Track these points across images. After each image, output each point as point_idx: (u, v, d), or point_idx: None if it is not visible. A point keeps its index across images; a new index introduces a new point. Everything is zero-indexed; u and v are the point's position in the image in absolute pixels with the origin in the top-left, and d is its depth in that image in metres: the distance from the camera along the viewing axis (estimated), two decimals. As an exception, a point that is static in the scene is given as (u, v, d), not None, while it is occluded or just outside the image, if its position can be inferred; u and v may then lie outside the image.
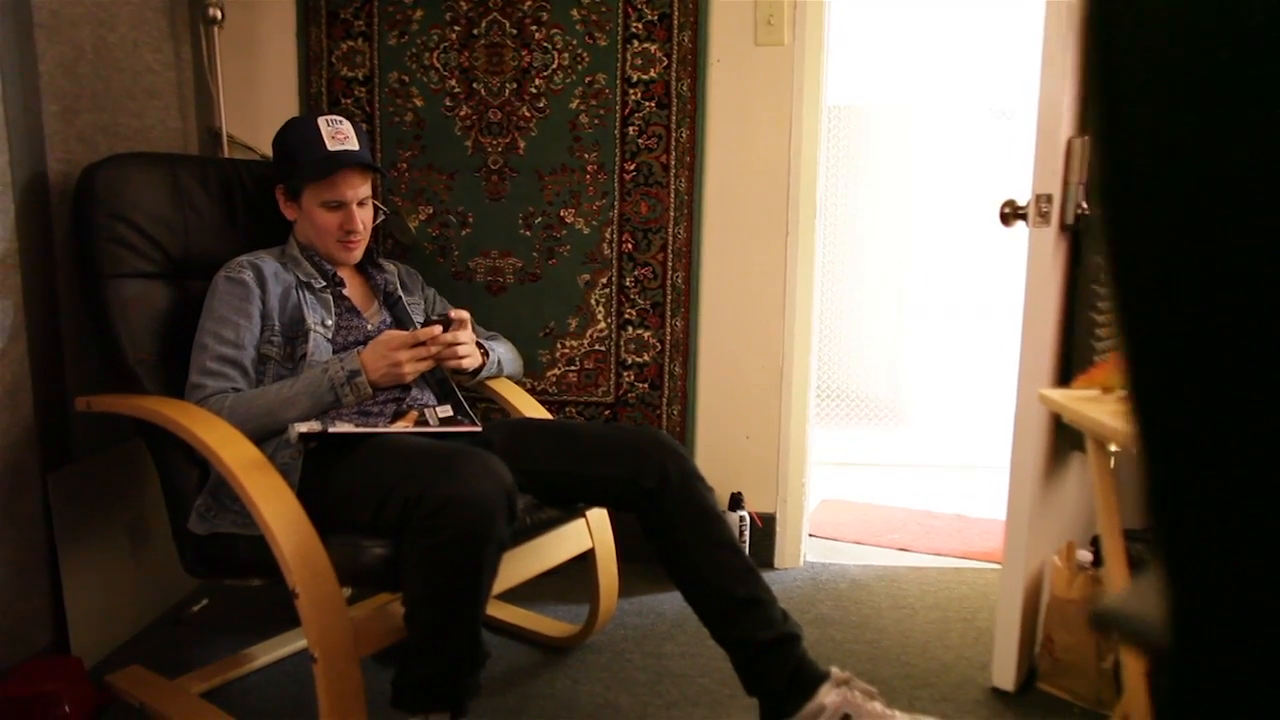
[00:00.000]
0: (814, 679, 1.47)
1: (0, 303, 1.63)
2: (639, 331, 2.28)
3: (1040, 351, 1.64)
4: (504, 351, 1.94)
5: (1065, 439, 1.75)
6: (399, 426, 1.64)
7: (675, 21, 2.18)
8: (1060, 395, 1.59)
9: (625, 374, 2.30)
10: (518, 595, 1.88)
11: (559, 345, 2.30)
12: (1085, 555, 1.73)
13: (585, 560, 1.82)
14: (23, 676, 1.56)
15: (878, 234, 3.34)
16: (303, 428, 1.50)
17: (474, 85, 2.25)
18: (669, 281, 2.26)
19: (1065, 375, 1.70)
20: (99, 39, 1.88)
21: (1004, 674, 1.72)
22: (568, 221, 2.26)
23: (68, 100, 1.79)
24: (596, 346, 2.30)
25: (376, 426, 1.62)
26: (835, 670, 1.48)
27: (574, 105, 2.23)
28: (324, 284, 1.73)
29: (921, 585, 2.24)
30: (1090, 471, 1.45)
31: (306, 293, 1.70)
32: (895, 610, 2.10)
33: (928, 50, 3.23)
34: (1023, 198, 1.70)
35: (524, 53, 2.23)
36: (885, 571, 2.32)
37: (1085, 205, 1.64)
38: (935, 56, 3.23)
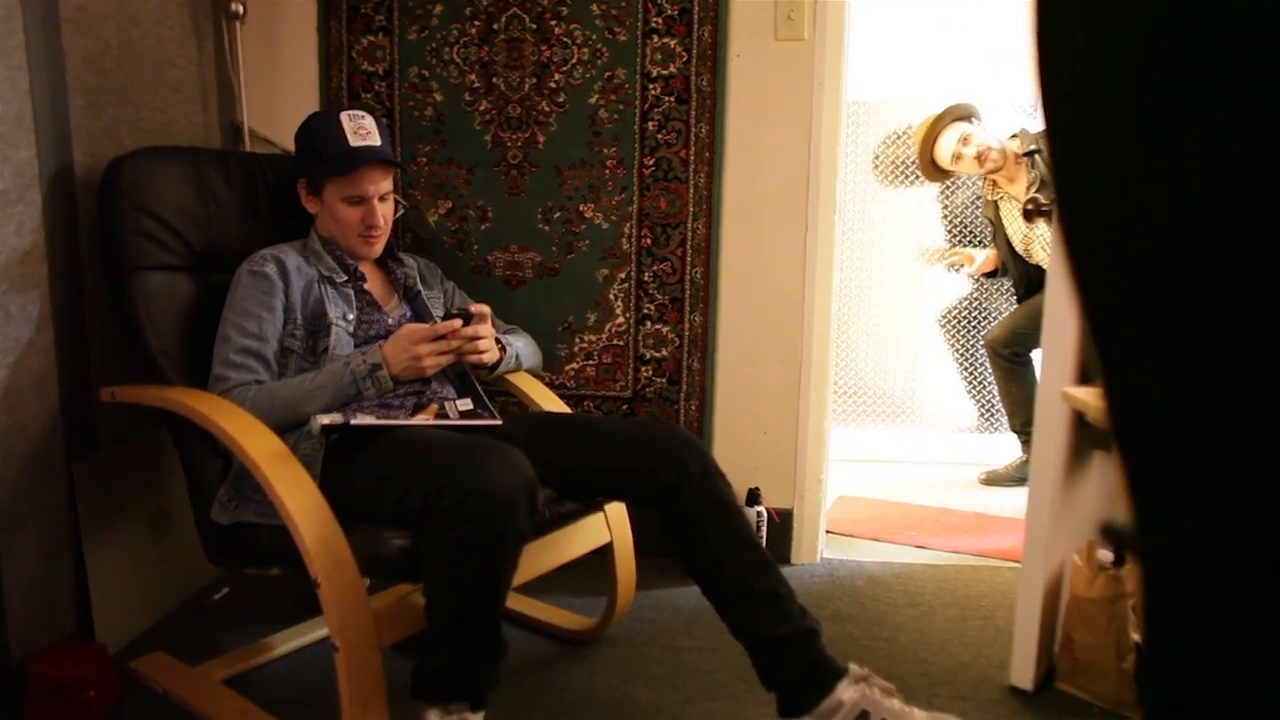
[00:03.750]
0: (832, 675, 1.46)
1: (27, 294, 1.65)
2: (657, 326, 2.28)
3: (1063, 349, 1.63)
4: (523, 345, 1.95)
5: (1087, 437, 1.74)
6: (420, 419, 1.65)
7: (695, 16, 2.17)
8: (1084, 393, 1.58)
9: (643, 369, 2.30)
10: (535, 588, 1.89)
11: (577, 339, 2.31)
12: (1106, 554, 1.72)
13: (603, 554, 1.83)
14: (49, 662, 1.58)
15: (897, 230, 3.32)
16: (325, 419, 1.51)
17: (494, 80, 2.25)
18: (687, 276, 2.26)
19: (1088, 373, 1.69)
20: (124, 34, 1.90)
21: (1023, 673, 1.72)
22: (586, 216, 2.27)
23: (93, 94, 1.81)
24: (615, 341, 2.30)
25: (397, 419, 1.63)
26: (854, 666, 1.48)
27: (593, 100, 2.23)
28: (345, 278, 1.74)
29: (939, 583, 2.23)
30: (1115, 469, 1.44)
31: (328, 287, 1.71)
32: (913, 608, 2.09)
33: (948, 45, 3.21)
34: (1046, 194, 1.69)
35: (544, 47, 2.23)
36: (902, 569, 2.32)
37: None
38: (956, 51, 3.21)
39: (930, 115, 2.96)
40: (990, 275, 3.15)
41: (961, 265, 3.14)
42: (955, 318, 3.31)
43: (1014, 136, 2.90)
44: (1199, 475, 0.36)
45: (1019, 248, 2.94)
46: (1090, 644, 1.67)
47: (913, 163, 3.18)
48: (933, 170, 3.01)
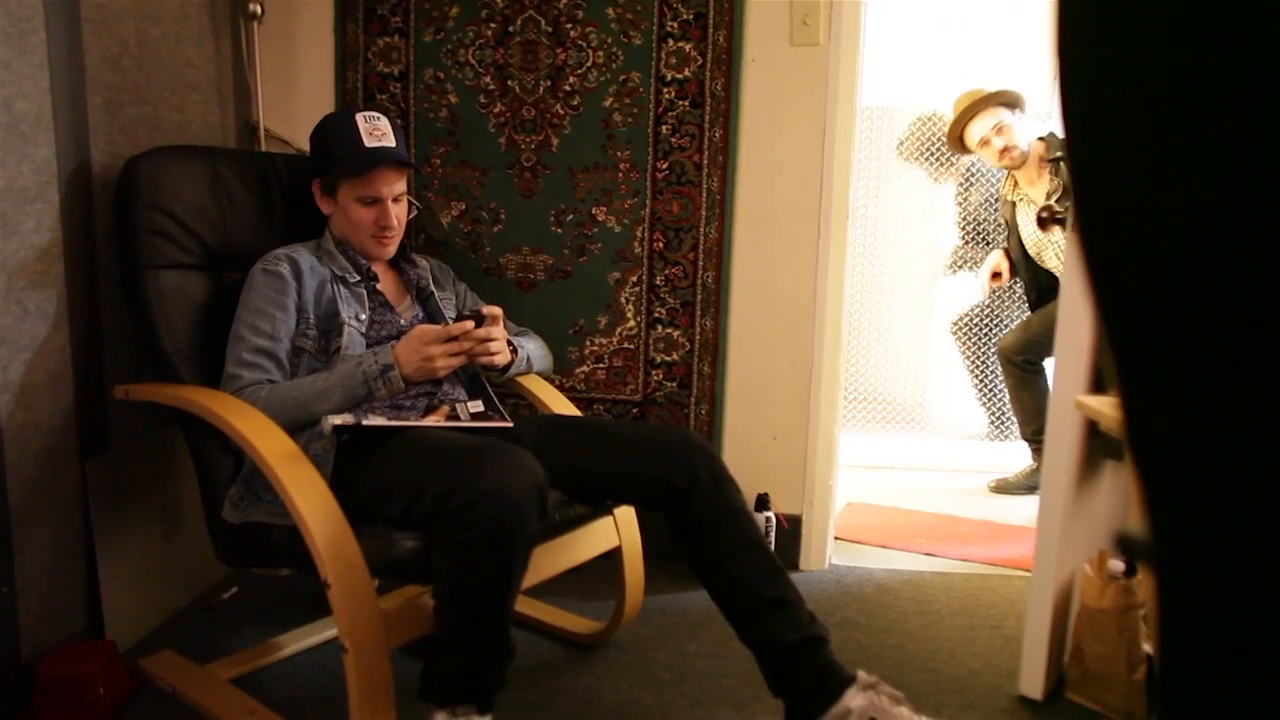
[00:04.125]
0: (840, 681, 1.46)
1: (44, 291, 1.66)
2: (668, 330, 2.28)
3: (1076, 357, 1.63)
4: (534, 348, 1.95)
5: (1099, 446, 1.73)
6: (431, 421, 1.65)
7: (710, 21, 2.17)
8: (1097, 402, 1.57)
9: (654, 372, 2.30)
10: (543, 591, 1.89)
11: (588, 343, 2.31)
12: (1117, 564, 1.71)
13: (611, 557, 1.83)
14: (59, 658, 1.59)
15: (909, 237, 3.31)
16: (336, 420, 1.52)
17: (508, 82, 2.26)
18: (699, 281, 2.26)
19: (1100, 382, 1.68)
20: (142, 34, 1.91)
21: (1032, 683, 1.71)
22: (599, 219, 2.27)
23: (112, 93, 1.82)
24: (625, 344, 2.30)
25: (409, 420, 1.64)
26: (862, 674, 1.48)
27: (608, 103, 2.23)
28: (358, 278, 1.75)
29: (948, 591, 2.22)
30: (1128, 479, 1.44)
31: (341, 287, 1.72)
32: (921, 615, 2.08)
33: (963, 53, 3.21)
34: (1062, 202, 1.68)
35: (559, 50, 2.23)
36: (911, 576, 2.31)
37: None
38: (971, 59, 3.20)
39: (977, 90, 2.87)
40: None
41: (998, 274, 3.07)
42: (967, 325, 3.30)
43: (1042, 139, 2.86)
44: (1216, 486, 0.36)
45: (1031, 251, 2.91)
46: (1101, 654, 1.66)
47: (934, 150, 3.17)
48: (959, 145, 2.95)
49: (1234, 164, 0.32)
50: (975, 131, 2.86)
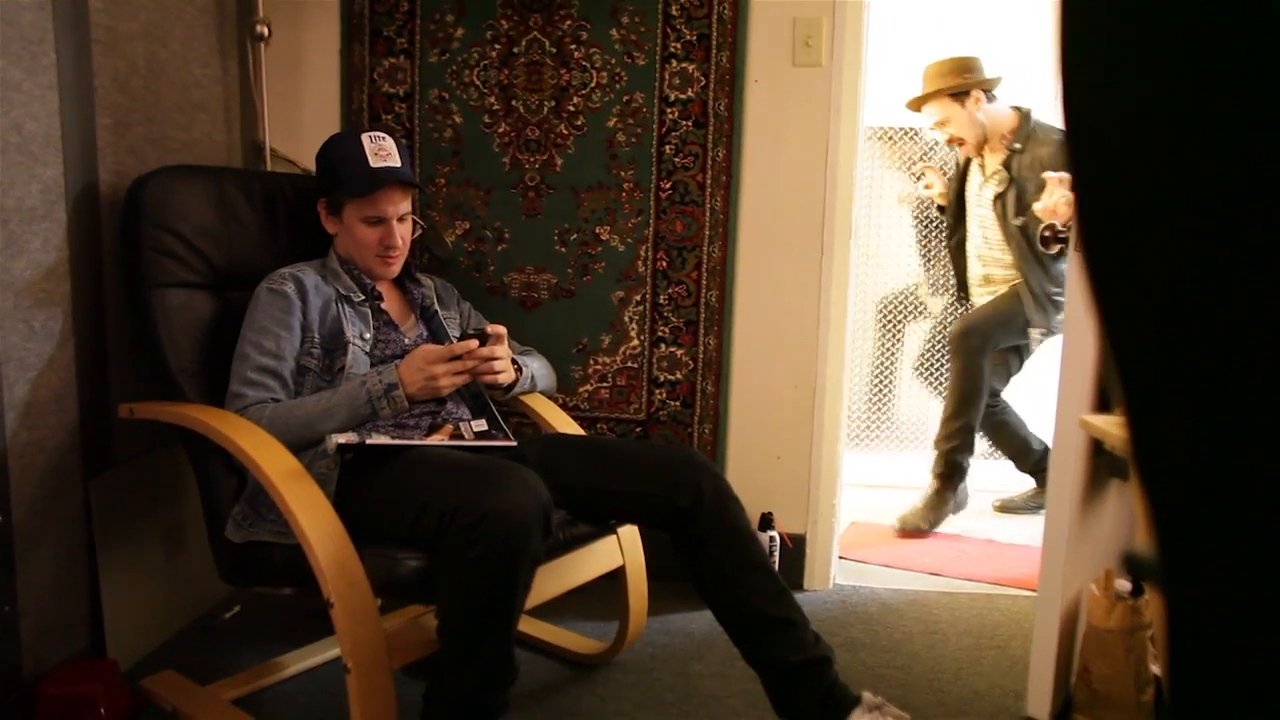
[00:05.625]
0: (845, 703, 1.45)
1: (50, 310, 1.67)
2: (672, 349, 2.28)
3: (1080, 376, 1.62)
4: (538, 367, 1.95)
5: (1104, 465, 1.72)
6: (435, 440, 1.65)
7: (714, 42, 2.19)
8: (1103, 421, 1.57)
9: (657, 391, 2.30)
10: (547, 611, 1.88)
11: (592, 362, 2.31)
12: (1124, 584, 1.70)
13: (615, 577, 1.82)
14: (61, 677, 1.58)
15: (911, 254, 3.32)
16: (340, 439, 1.52)
17: (513, 103, 2.27)
18: (703, 300, 2.26)
19: (1105, 401, 1.68)
20: (151, 54, 1.93)
21: (1039, 704, 1.69)
22: (603, 238, 2.28)
23: (120, 113, 1.84)
24: (629, 363, 2.30)
25: (412, 439, 1.64)
26: (867, 694, 1.47)
27: (611, 123, 2.24)
28: (363, 297, 1.75)
29: (953, 611, 2.21)
30: (1134, 499, 1.43)
31: (346, 306, 1.73)
32: (926, 636, 2.07)
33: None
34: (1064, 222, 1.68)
35: (563, 71, 2.25)
36: (916, 596, 2.30)
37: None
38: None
39: (940, 65, 2.76)
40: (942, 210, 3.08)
41: (931, 186, 3.05)
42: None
43: (1018, 110, 2.74)
44: (1223, 503, 0.35)
45: (969, 199, 2.87)
46: (1108, 675, 1.64)
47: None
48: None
49: (1247, 175, 0.32)
50: (923, 119, 2.87)
